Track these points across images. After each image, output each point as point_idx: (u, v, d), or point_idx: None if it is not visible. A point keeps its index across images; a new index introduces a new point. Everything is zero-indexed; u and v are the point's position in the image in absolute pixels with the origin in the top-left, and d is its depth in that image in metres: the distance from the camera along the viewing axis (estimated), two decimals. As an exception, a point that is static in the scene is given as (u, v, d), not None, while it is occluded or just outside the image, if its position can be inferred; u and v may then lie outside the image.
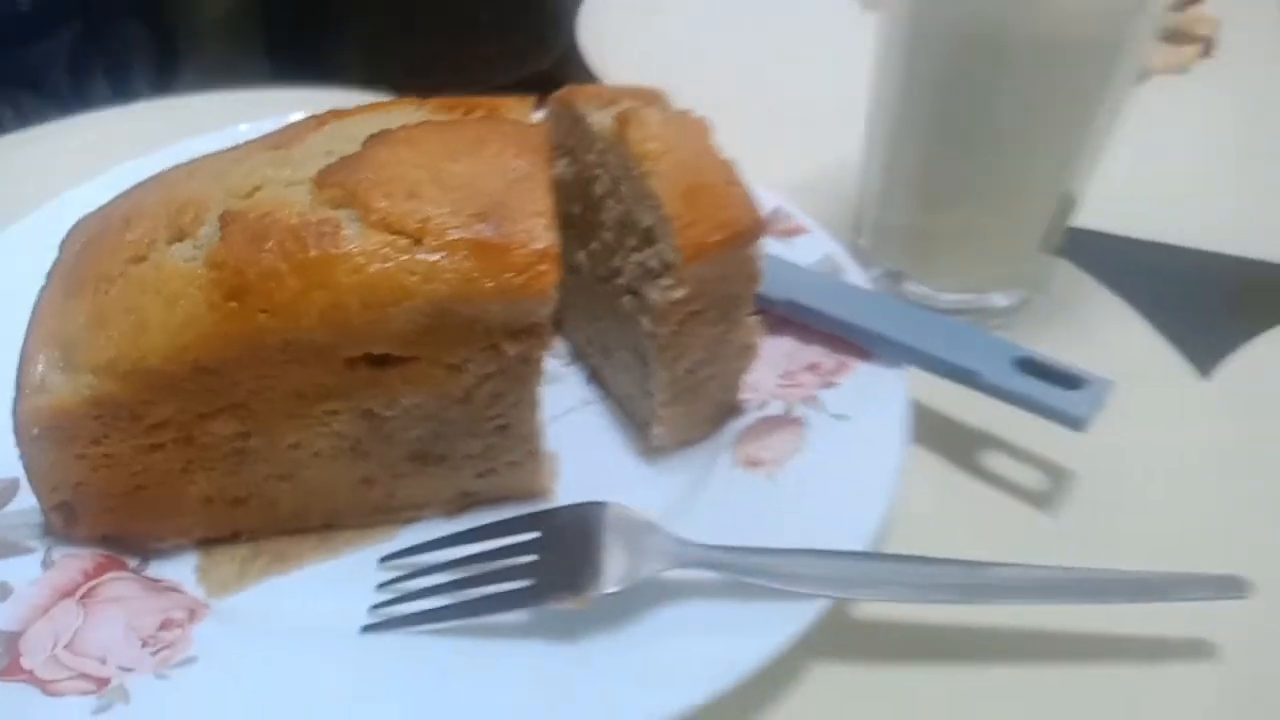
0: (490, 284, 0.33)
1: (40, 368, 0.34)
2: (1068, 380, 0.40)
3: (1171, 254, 0.56)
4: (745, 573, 0.34)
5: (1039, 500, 0.42)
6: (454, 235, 0.33)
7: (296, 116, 0.45)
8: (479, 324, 0.34)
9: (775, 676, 0.35)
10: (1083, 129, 0.43)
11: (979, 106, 0.43)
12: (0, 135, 0.62)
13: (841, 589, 0.35)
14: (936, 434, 0.44)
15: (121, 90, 0.72)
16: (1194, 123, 0.69)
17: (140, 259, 0.34)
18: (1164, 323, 0.50)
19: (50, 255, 0.38)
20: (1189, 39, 0.75)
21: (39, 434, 0.33)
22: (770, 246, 0.47)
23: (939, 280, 0.49)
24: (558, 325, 0.46)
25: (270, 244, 0.33)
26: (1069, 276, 0.53)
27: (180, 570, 0.37)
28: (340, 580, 0.37)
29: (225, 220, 0.33)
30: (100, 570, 0.35)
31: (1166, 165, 0.64)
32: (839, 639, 0.37)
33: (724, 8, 0.78)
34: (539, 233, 0.33)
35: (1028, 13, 0.40)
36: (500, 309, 0.34)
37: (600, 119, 0.39)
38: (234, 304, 0.32)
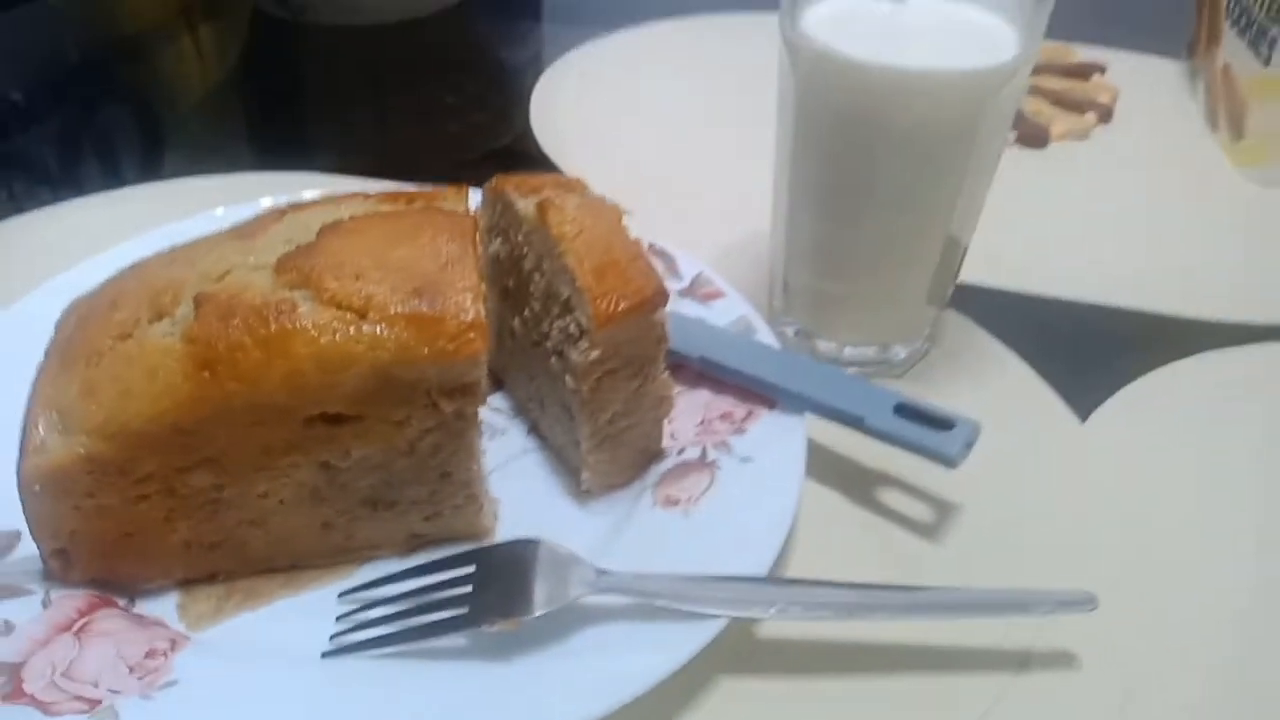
0: (427, 351, 0.38)
1: (41, 430, 0.39)
2: (941, 423, 0.46)
3: (1059, 306, 0.62)
4: (656, 596, 0.39)
5: (922, 530, 0.47)
6: (394, 310, 0.38)
7: (268, 201, 0.51)
8: (419, 385, 0.40)
9: (688, 687, 0.40)
10: (954, 197, 0.49)
11: (861, 181, 0.49)
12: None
13: (741, 609, 0.40)
14: (831, 471, 0.49)
15: (109, 171, 0.77)
16: (1091, 184, 0.75)
17: (126, 336, 0.40)
18: (1047, 369, 0.56)
19: (46, 332, 0.43)
20: (1090, 107, 0.83)
21: (40, 489, 0.39)
22: (693, 309, 0.54)
23: (843, 336, 0.55)
24: (500, 383, 0.52)
25: (237, 321, 0.38)
26: (963, 329, 0.59)
27: (163, 607, 0.41)
28: (304, 613, 0.42)
29: (199, 301, 0.39)
30: (93, 608, 0.40)
31: (1062, 222, 0.71)
32: (744, 655, 0.42)
33: (657, 89, 0.86)
34: (468, 306, 0.39)
35: (895, 103, 0.46)
36: (436, 372, 0.39)
37: (525, 205, 0.45)
38: (206, 373, 0.38)
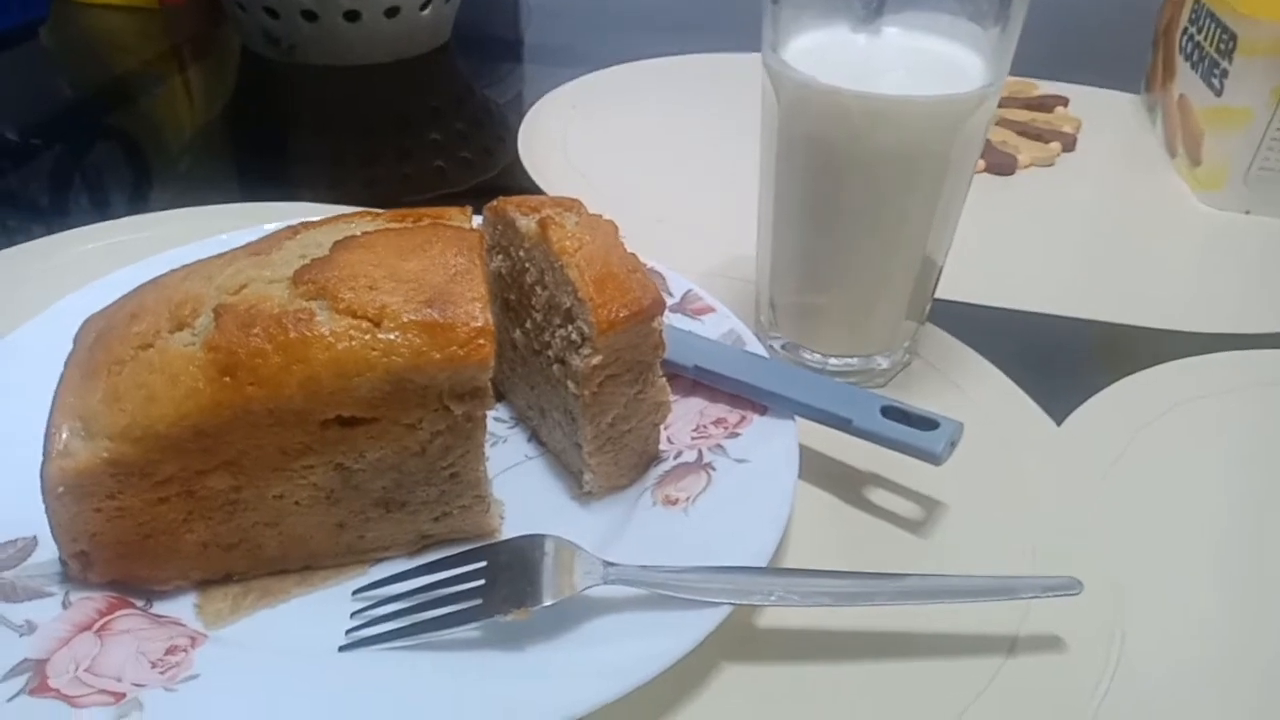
0: (438, 356, 0.40)
1: (64, 436, 0.40)
2: (925, 423, 0.48)
3: (1032, 319, 0.66)
4: (660, 586, 0.41)
5: (910, 526, 0.49)
6: (407, 318, 0.40)
7: (270, 227, 0.53)
8: (430, 389, 0.41)
9: (694, 673, 0.42)
10: (928, 218, 0.52)
11: (839, 201, 0.52)
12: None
13: (741, 597, 0.41)
14: (821, 472, 0.51)
15: (99, 206, 0.78)
16: (1058, 208, 0.79)
17: (147, 346, 0.41)
18: (1023, 378, 0.59)
19: (55, 349, 0.44)
20: (1055, 136, 0.86)
21: (63, 491, 0.40)
22: (684, 323, 0.56)
23: (827, 347, 0.57)
24: (501, 394, 0.54)
25: (257, 329, 0.40)
26: (942, 341, 0.61)
27: (180, 608, 0.43)
28: (319, 610, 0.43)
29: (219, 312, 0.41)
30: (112, 609, 0.42)
31: (1033, 243, 0.74)
32: (746, 642, 0.44)
33: (641, 124, 0.89)
34: (477, 313, 0.41)
35: (869, 126, 0.49)
36: (447, 376, 0.41)
37: (526, 223, 0.47)
38: (227, 379, 0.39)
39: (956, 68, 0.50)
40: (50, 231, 0.70)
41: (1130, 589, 0.47)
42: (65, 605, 0.41)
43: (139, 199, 0.80)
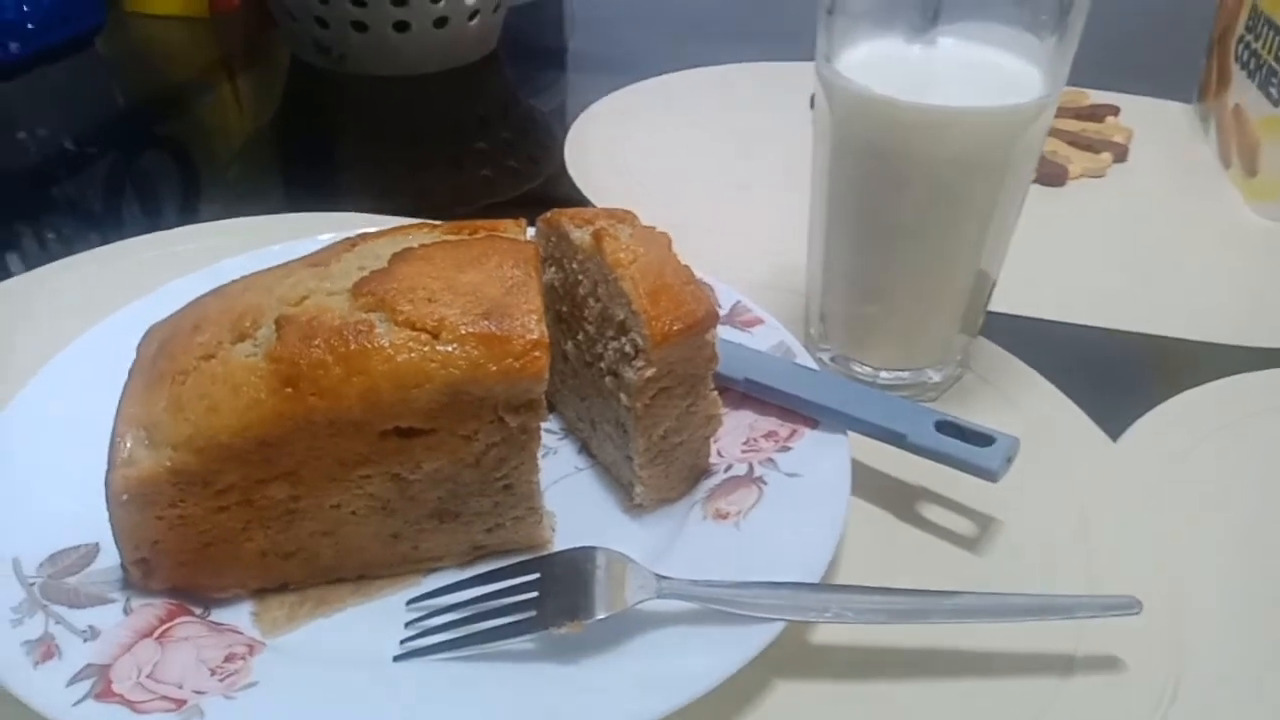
0: (495, 368, 0.41)
1: (129, 444, 0.41)
2: (981, 439, 0.47)
3: (1085, 332, 0.65)
4: (714, 601, 0.41)
5: (964, 543, 0.49)
6: (465, 330, 0.41)
7: (325, 238, 0.53)
8: (487, 401, 0.42)
9: (745, 689, 0.42)
10: (983, 230, 0.52)
11: (894, 212, 0.51)
12: (50, 261, 0.69)
13: (795, 614, 0.41)
14: (874, 488, 0.51)
15: (151, 215, 0.80)
16: (1109, 219, 0.78)
17: (210, 356, 0.42)
18: (1078, 393, 0.58)
19: (117, 357, 0.45)
20: (1106, 146, 0.85)
21: (127, 499, 0.41)
22: (733, 335, 0.56)
23: (879, 360, 0.57)
24: (552, 406, 0.54)
25: (318, 341, 0.40)
26: (995, 355, 0.61)
27: (238, 616, 0.43)
28: (374, 620, 0.43)
29: (280, 324, 0.41)
30: (172, 616, 0.42)
31: (1084, 255, 0.73)
32: (798, 659, 0.43)
33: (688, 133, 0.89)
34: (533, 326, 0.41)
35: (927, 139, 0.49)
36: (503, 388, 0.41)
37: (580, 235, 0.47)
38: (289, 389, 0.40)
39: (1013, 79, 0.50)
40: (105, 239, 0.72)
41: (1189, 609, 0.46)
42: (127, 611, 0.42)
43: (189, 208, 0.81)
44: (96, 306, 0.56)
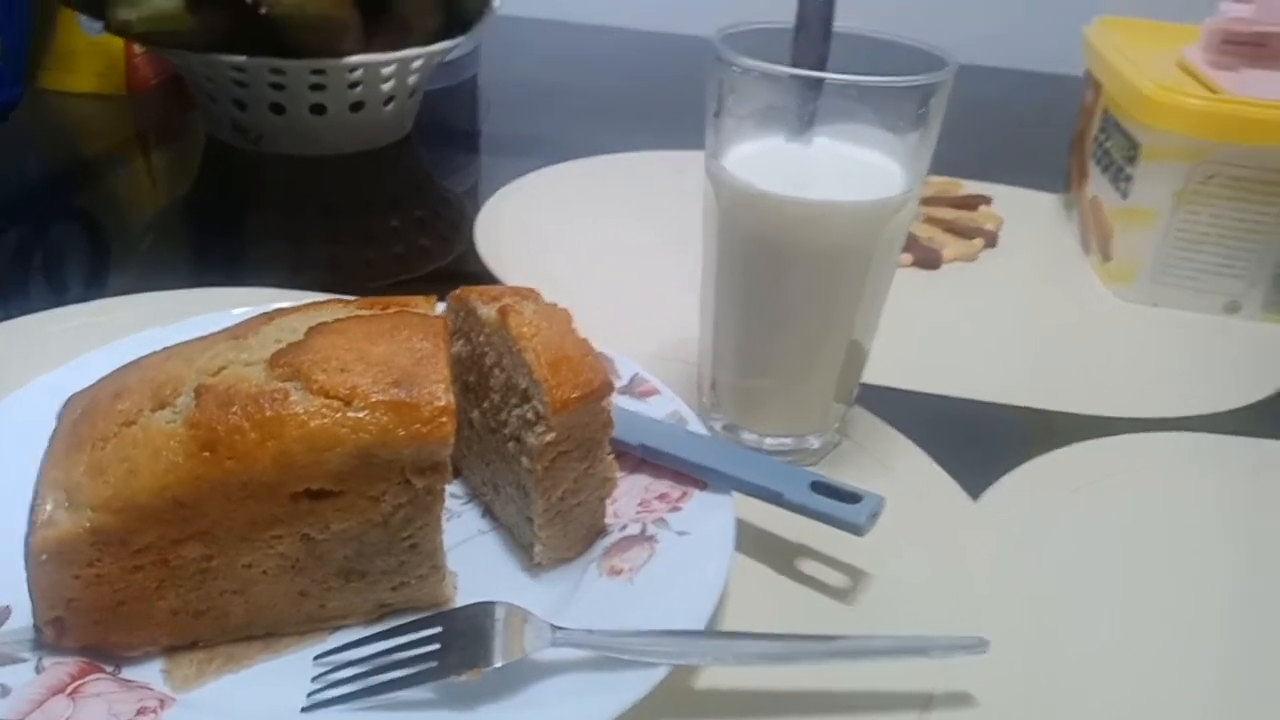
0: (404, 433, 0.44)
1: (49, 506, 0.43)
2: (850, 497, 0.52)
3: (954, 403, 0.71)
4: (606, 649, 0.44)
5: (837, 594, 0.53)
6: (376, 398, 0.44)
7: (239, 312, 0.56)
8: (395, 463, 0.45)
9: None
10: (856, 308, 0.57)
11: (776, 293, 0.56)
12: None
13: (680, 658, 0.45)
14: (756, 543, 0.55)
15: (56, 289, 0.80)
16: (979, 299, 0.85)
17: (130, 423, 0.44)
18: (944, 457, 0.64)
19: (32, 425, 0.47)
20: (978, 233, 0.93)
21: (46, 559, 0.42)
22: (631, 404, 0.60)
23: (764, 428, 0.62)
24: (458, 471, 0.57)
25: (235, 408, 0.43)
26: (870, 422, 0.66)
27: (149, 673, 0.45)
28: (282, 675, 0.45)
29: (199, 392, 0.44)
30: (84, 673, 0.43)
31: (956, 332, 0.80)
32: (683, 700, 0.47)
33: (593, 216, 0.94)
34: (441, 394, 0.44)
35: (802, 229, 0.54)
36: (411, 452, 0.44)
37: (487, 311, 0.51)
38: (207, 453, 0.42)
39: (881, 174, 0.56)
40: (9, 312, 0.72)
41: (1039, 649, 0.51)
42: (39, 670, 0.43)
43: (98, 281, 0.81)
44: (5, 380, 0.58)
